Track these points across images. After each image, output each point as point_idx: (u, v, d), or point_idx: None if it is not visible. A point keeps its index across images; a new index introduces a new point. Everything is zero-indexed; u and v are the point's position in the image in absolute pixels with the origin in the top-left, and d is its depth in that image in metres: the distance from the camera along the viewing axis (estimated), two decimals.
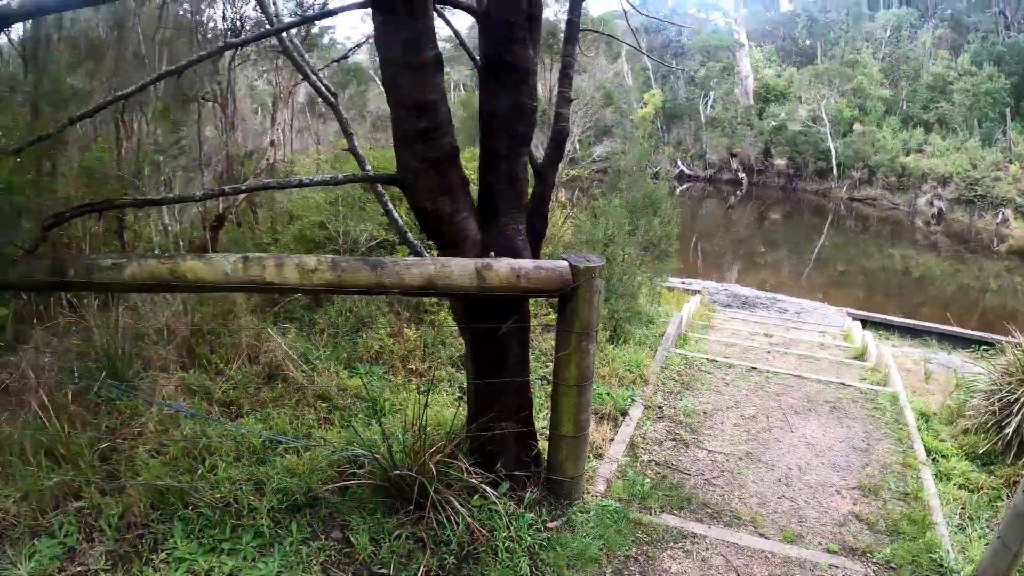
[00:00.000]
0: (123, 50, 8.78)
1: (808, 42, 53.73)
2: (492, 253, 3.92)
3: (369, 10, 3.64)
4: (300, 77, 12.82)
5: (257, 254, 3.66)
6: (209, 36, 11.34)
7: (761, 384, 7.57)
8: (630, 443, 5.74)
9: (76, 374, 5.32)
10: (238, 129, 11.50)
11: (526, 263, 3.80)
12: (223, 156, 10.40)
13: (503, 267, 3.71)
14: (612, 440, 5.71)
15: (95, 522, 4.24)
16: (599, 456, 5.37)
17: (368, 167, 4.68)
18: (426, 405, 4.23)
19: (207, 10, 11.43)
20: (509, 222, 4.12)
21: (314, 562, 3.80)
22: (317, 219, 7.95)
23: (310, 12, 12.27)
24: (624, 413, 6.23)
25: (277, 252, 7.51)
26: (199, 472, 4.37)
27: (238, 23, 11.46)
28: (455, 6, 4.44)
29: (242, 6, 11.57)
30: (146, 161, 7.89)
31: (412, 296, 4.21)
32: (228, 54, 11.25)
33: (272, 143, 11.29)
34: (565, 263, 3.83)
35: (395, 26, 3.59)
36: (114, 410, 5.14)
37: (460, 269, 3.67)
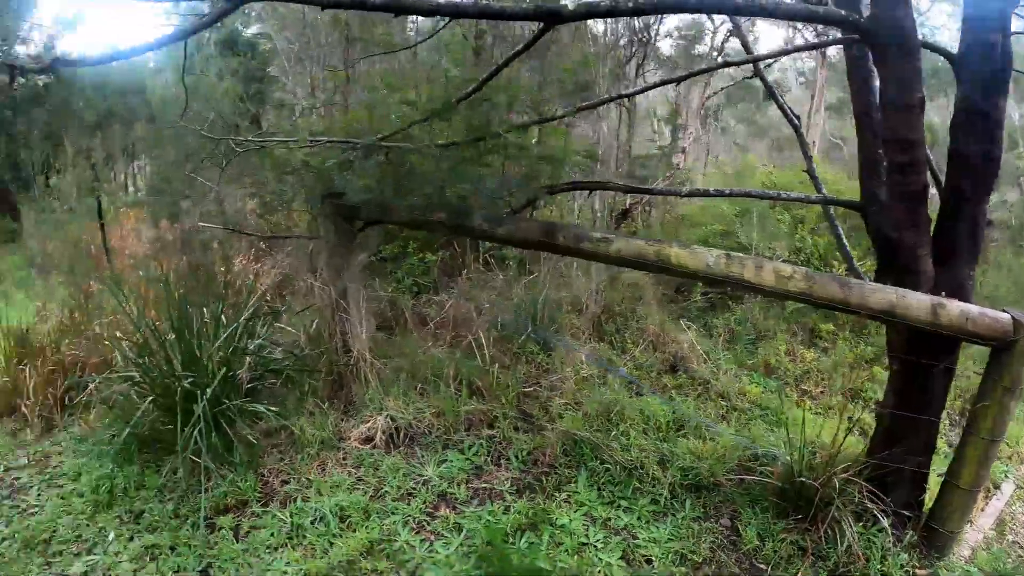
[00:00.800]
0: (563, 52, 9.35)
1: None
2: (943, 292, 3.96)
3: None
4: (709, 91, 13.24)
5: (738, 253, 3.88)
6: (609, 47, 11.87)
7: None
8: (999, 518, 5.49)
9: (500, 323, 5.89)
10: (635, 132, 11.98)
11: (973, 308, 3.75)
12: (626, 155, 10.87)
13: (955, 309, 3.65)
14: (982, 510, 5.50)
15: (503, 451, 4.80)
16: (968, 522, 5.22)
17: (823, 189, 4.79)
18: (850, 429, 4.31)
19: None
20: (962, 264, 4.06)
21: (703, 540, 3.97)
22: (719, 228, 8.14)
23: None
24: (996, 487, 5.94)
25: None
26: (612, 434, 4.69)
27: (647, 36, 11.92)
28: (932, 50, 4.48)
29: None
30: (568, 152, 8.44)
31: (867, 318, 4.25)
32: (634, 63, 11.78)
33: (683, 151, 11.67)
34: (1008, 315, 3.75)
35: (887, 65, 3.72)
36: (532, 361, 5.66)
37: (917, 303, 3.69)
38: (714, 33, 14.06)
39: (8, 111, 18.57)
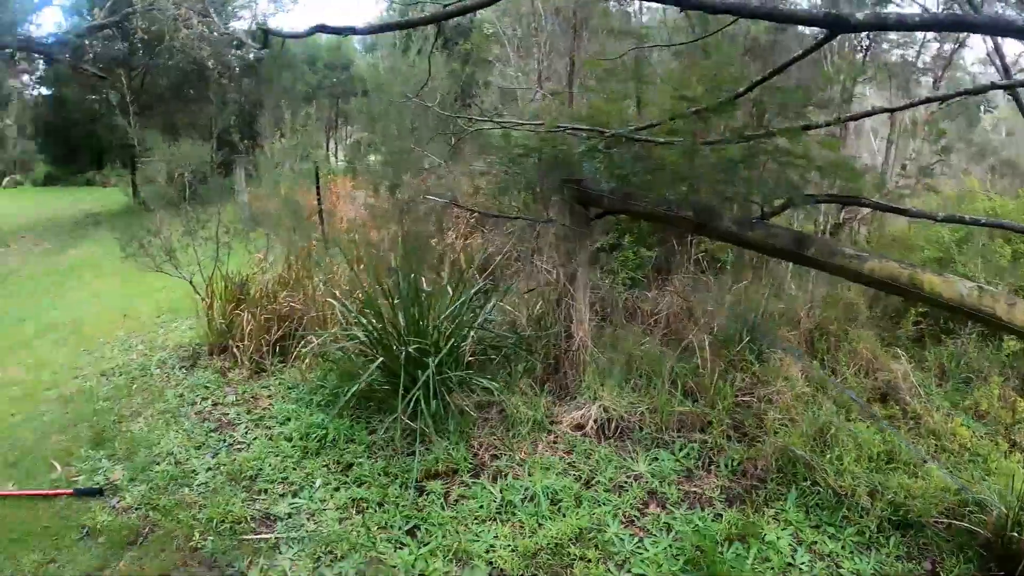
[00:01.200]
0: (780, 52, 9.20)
1: None
2: None
3: None
4: (932, 107, 12.76)
5: (990, 287, 3.71)
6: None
7: None
8: None
9: (716, 328, 5.86)
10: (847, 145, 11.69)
11: None
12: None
13: None
14: None
15: (714, 457, 4.79)
16: None
17: None
18: None
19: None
20: None
21: None
22: (934, 254, 7.78)
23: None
24: None
25: None
26: (827, 456, 4.57)
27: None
28: None
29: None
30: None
31: None
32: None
33: (903, 167, 11.31)
34: None
35: None
36: (746, 370, 5.62)
37: None
38: (940, 44, 13.46)
39: (225, 80, 19.63)
